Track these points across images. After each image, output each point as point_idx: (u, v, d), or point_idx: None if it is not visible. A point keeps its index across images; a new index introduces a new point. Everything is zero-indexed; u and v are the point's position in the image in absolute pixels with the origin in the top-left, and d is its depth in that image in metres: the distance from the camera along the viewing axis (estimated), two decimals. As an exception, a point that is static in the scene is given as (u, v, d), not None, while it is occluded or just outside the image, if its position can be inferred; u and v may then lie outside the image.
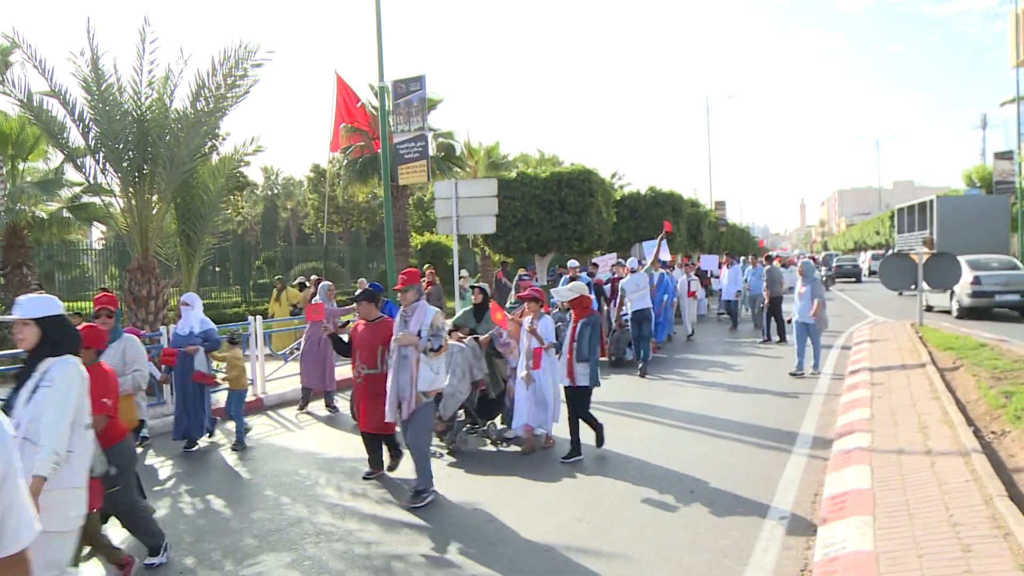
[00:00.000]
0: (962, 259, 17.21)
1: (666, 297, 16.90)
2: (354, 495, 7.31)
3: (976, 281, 18.67)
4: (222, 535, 6.32)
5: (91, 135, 12.46)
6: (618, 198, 32.07)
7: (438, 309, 6.96)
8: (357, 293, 7.77)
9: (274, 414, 11.65)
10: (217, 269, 31.81)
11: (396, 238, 24.37)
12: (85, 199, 19.40)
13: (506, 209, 23.27)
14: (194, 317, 9.49)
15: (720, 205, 58.10)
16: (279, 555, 5.82)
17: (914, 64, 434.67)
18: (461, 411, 9.02)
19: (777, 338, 17.12)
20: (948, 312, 20.86)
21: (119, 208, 13.45)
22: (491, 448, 8.91)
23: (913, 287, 15.11)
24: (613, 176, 54.49)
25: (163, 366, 9.51)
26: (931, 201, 15.76)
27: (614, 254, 23.68)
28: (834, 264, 47.00)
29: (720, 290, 22.56)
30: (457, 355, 8.67)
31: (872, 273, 46.95)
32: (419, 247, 33.05)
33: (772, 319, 17.32)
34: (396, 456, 8.00)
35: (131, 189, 12.77)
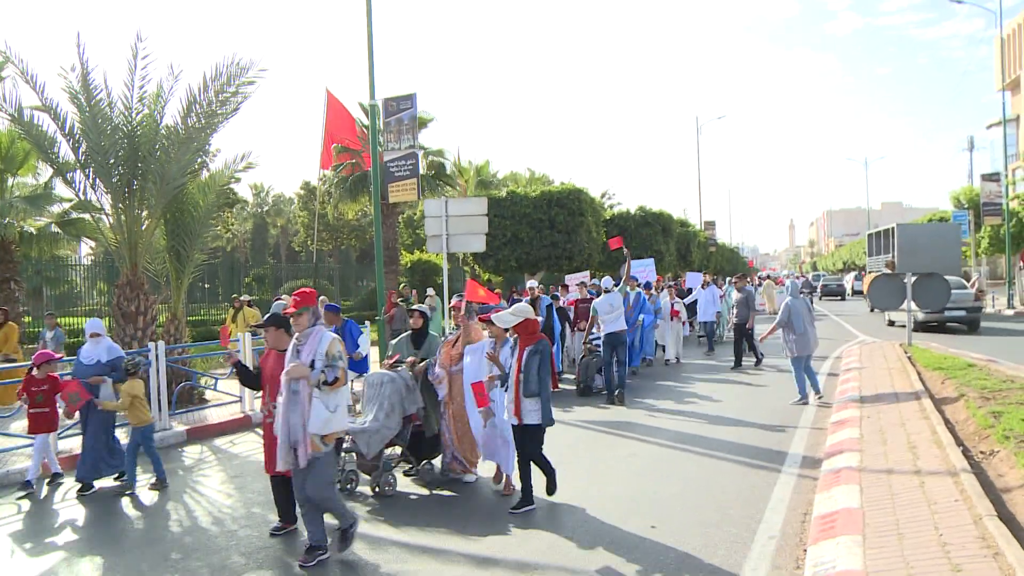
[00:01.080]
0: None
1: (642, 317, 16.09)
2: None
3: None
4: (209, 553, 6.25)
5: (81, 150, 12.45)
6: (608, 217, 32.27)
7: (336, 336, 6.05)
8: (265, 318, 6.71)
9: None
10: (206, 286, 31.74)
11: (386, 256, 24.35)
12: (74, 214, 19.35)
13: (496, 228, 23.34)
14: (102, 345, 8.84)
15: (710, 225, 58.43)
16: (266, 572, 5.77)
17: (902, 86, 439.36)
18: (389, 449, 8.06)
19: (754, 360, 16.71)
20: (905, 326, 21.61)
21: (108, 224, 13.42)
22: (424, 491, 7.99)
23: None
24: (603, 195, 54.81)
25: (68, 397, 8.38)
26: (893, 228, 17.09)
27: (586, 272, 23.07)
28: (820, 283, 52.76)
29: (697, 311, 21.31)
30: (386, 386, 7.84)
31: (855, 292, 49.88)
32: (409, 265, 33.02)
33: (744, 342, 16.67)
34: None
35: (121, 205, 12.75)
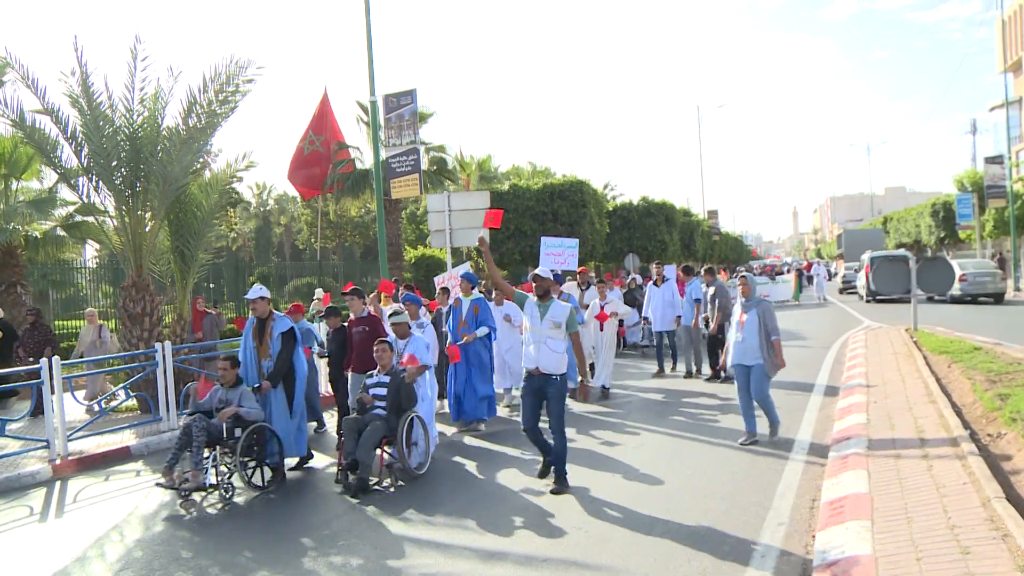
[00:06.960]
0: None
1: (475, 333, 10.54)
2: (351, 508, 7.28)
3: (846, 279, 38.82)
4: (218, 551, 6.29)
5: (83, 153, 12.46)
6: (611, 209, 32.26)
7: None
8: None
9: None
10: (211, 286, 31.73)
11: (390, 252, 24.38)
12: (79, 218, 19.39)
13: (499, 221, 23.31)
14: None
15: (713, 214, 58.40)
16: (275, 570, 5.79)
17: (901, 70, 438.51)
18: None
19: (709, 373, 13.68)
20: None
21: (112, 226, 13.44)
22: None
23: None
24: (605, 187, 54.73)
25: None
26: (842, 233, 30.91)
27: (467, 264, 16.00)
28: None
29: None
30: None
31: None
32: (413, 261, 33.01)
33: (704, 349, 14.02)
34: None
35: (124, 207, 12.77)
